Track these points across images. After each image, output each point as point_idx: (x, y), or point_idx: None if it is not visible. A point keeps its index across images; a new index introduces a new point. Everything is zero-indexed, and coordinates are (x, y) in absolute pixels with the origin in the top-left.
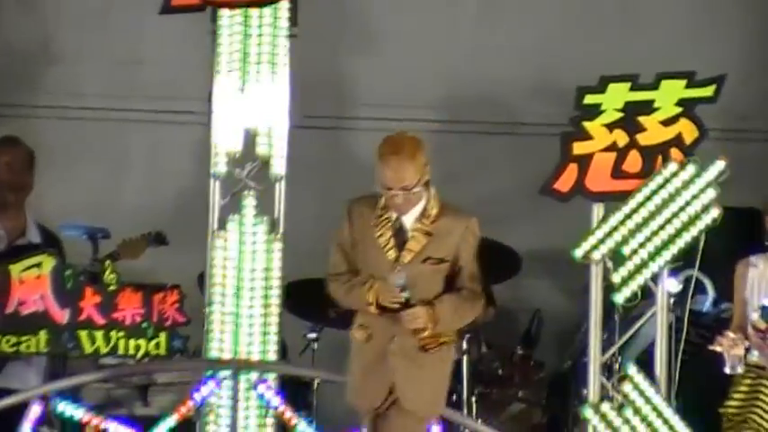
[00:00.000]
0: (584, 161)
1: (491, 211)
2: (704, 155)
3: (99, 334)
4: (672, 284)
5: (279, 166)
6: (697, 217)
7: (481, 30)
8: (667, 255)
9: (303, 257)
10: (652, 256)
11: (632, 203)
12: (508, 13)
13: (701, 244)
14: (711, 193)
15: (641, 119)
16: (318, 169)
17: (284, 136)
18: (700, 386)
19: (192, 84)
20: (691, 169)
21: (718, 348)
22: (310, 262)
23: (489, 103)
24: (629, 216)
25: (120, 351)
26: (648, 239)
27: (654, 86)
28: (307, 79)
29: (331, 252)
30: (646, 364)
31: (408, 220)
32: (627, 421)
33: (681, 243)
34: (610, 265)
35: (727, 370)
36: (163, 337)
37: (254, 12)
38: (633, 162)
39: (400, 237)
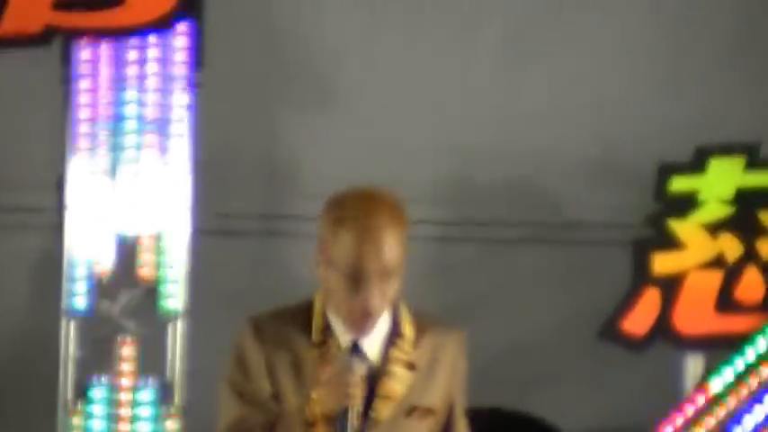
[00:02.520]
0: (672, 285)
1: (522, 367)
2: None
3: None
4: None
5: (175, 296)
6: None
7: (504, 81)
8: None
9: None
10: None
11: (750, 355)
12: (545, 59)
13: None
14: None
15: (765, 216)
16: (238, 297)
17: (184, 246)
18: None
19: (33, 164)
20: None
21: None
22: None
23: (518, 193)
24: (744, 377)
25: None
26: None
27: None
28: (219, 156)
29: (225, 405)
30: None
31: (370, 346)
32: None
33: None
34: None
35: None
36: None
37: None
38: (751, 286)
39: (370, 374)
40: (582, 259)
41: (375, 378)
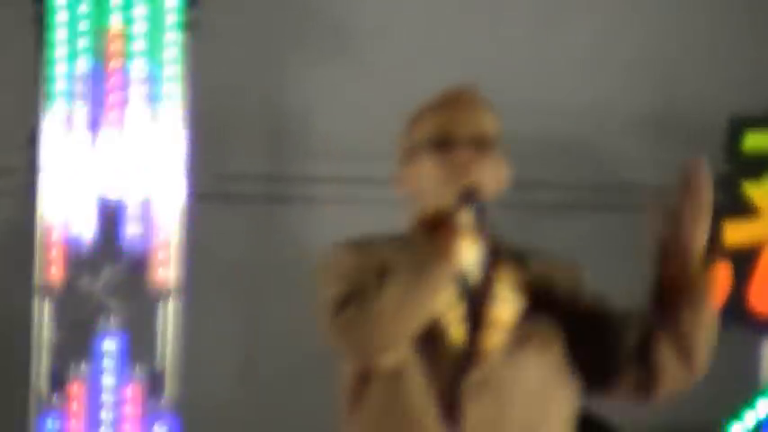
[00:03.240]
0: (746, 259)
1: None
2: None
3: None
4: None
5: (167, 271)
6: None
7: (545, 26)
8: None
9: None
10: None
11: None
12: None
13: None
14: None
15: None
16: (240, 271)
17: (177, 213)
18: None
19: (1, 118)
20: None
21: None
22: None
23: (564, 153)
24: None
25: None
26: None
27: None
28: (218, 109)
29: (328, 287)
30: None
31: (468, 265)
32: None
33: None
34: None
35: None
36: None
37: None
38: None
39: (470, 296)
40: (641, 227)
41: (478, 303)
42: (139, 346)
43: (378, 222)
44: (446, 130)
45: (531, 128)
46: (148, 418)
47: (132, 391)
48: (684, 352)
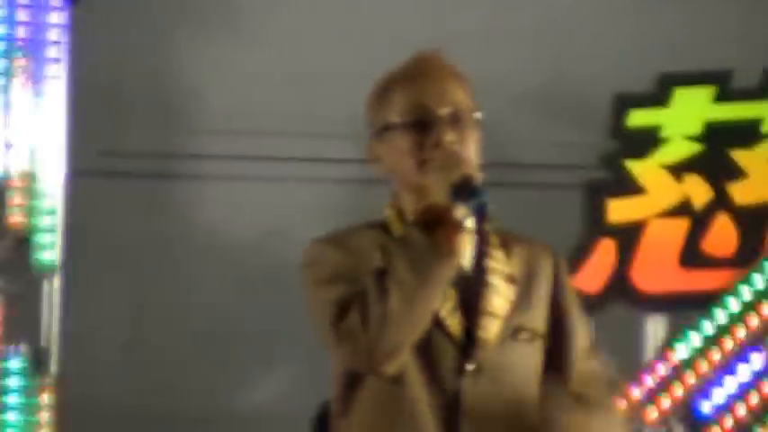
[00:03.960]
0: (630, 236)
1: None
2: None
3: None
4: None
5: (51, 248)
6: None
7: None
8: None
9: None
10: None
11: (723, 317)
12: None
13: None
14: None
15: (738, 155)
16: (127, 250)
17: (60, 189)
18: None
19: None
20: None
21: None
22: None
23: None
24: (713, 342)
25: None
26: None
27: (760, 92)
28: (103, 85)
29: (323, 288)
30: None
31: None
32: None
33: None
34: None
35: None
36: None
37: None
38: (721, 237)
39: (464, 286)
40: (526, 205)
41: (473, 292)
42: (22, 323)
43: (266, 200)
44: (422, 106)
45: None
46: (32, 391)
47: (16, 366)
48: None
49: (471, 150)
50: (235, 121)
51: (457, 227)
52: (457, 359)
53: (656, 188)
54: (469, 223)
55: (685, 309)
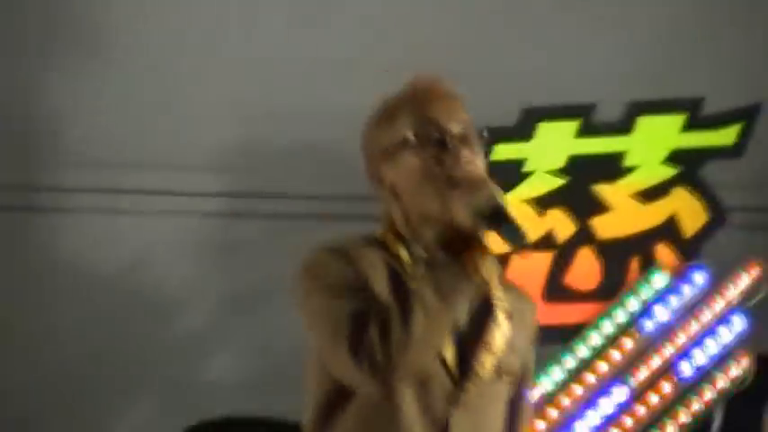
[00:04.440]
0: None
1: None
2: (723, 252)
3: None
4: None
5: None
6: (708, 378)
7: (302, 28)
8: None
9: None
10: None
11: (584, 351)
12: (351, 5)
13: (717, 424)
14: (739, 324)
15: (602, 189)
16: None
17: None
18: None
19: None
20: (698, 281)
21: None
22: None
23: (317, 161)
24: (576, 376)
25: None
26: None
27: (624, 127)
28: None
29: (330, 299)
30: None
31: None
32: None
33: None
34: None
35: None
36: None
37: None
38: (584, 270)
39: (473, 313)
40: None
41: (476, 324)
42: None
43: (129, 233)
44: (436, 124)
45: (281, 136)
46: None
47: None
48: None
49: (483, 169)
50: (96, 152)
51: (486, 253)
52: (449, 389)
53: (519, 221)
54: (496, 249)
55: (548, 342)
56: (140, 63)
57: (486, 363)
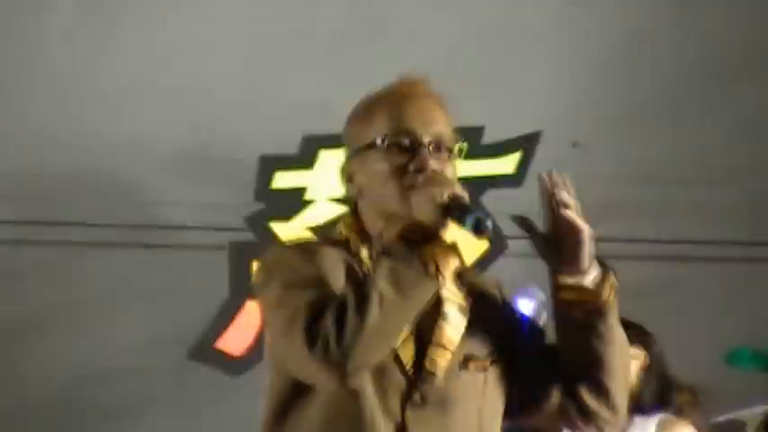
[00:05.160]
0: None
1: (102, 395)
2: (502, 280)
3: None
4: None
5: None
6: None
7: (75, 58)
8: None
9: None
10: None
11: None
12: (122, 32)
13: None
14: None
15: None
16: None
17: None
18: None
19: None
20: None
21: None
22: None
23: (97, 189)
24: None
25: None
26: None
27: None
28: None
29: (288, 295)
30: None
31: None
32: None
33: None
34: None
35: None
36: None
37: None
38: None
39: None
40: (174, 266)
41: (426, 322)
42: None
43: None
44: (407, 131)
45: (61, 163)
46: None
47: None
48: (605, 400)
49: (451, 175)
50: None
51: (446, 246)
52: (405, 389)
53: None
54: (458, 243)
55: None
56: None
57: (439, 360)
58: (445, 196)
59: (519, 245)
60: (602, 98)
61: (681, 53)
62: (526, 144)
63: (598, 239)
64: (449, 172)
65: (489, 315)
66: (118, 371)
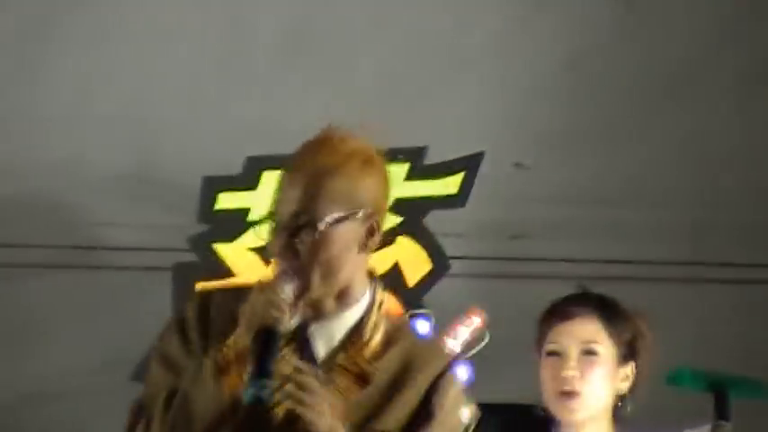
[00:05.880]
0: None
1: (38, 422)
2: (445, 300)
3: None
4: None
5: None
6: None
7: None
8: None
9: None
10: None
11: None
12: (63, 53)
13: None
14: (463, 373)
15: None
16: None
17: None
18: None
19: None
20: (421, 330)
21: None
22: None
23: (37, 210)
24: None
25: None
26: None
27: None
28: None
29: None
30: None
31: (324, 341)
32: None
33: None
34: None
35: None
36: None
37: None
38: None
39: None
40: (117, 288)
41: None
42: None
43: None
44: (278, 211)
45: (6, 185)
46: None
47: None
48: None
49: (321, 263)
50: None
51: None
52: None
53: (245, 270)
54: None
55: None
56: None
57: (319, 424)
58: (271, 323)
59: (462, 265)
60: (544, 119)
61: (619, 75)
62: (469, 164)
63: (540, 260)
64: (316, 257)
65: (405, 395)
66: (59, 393)
